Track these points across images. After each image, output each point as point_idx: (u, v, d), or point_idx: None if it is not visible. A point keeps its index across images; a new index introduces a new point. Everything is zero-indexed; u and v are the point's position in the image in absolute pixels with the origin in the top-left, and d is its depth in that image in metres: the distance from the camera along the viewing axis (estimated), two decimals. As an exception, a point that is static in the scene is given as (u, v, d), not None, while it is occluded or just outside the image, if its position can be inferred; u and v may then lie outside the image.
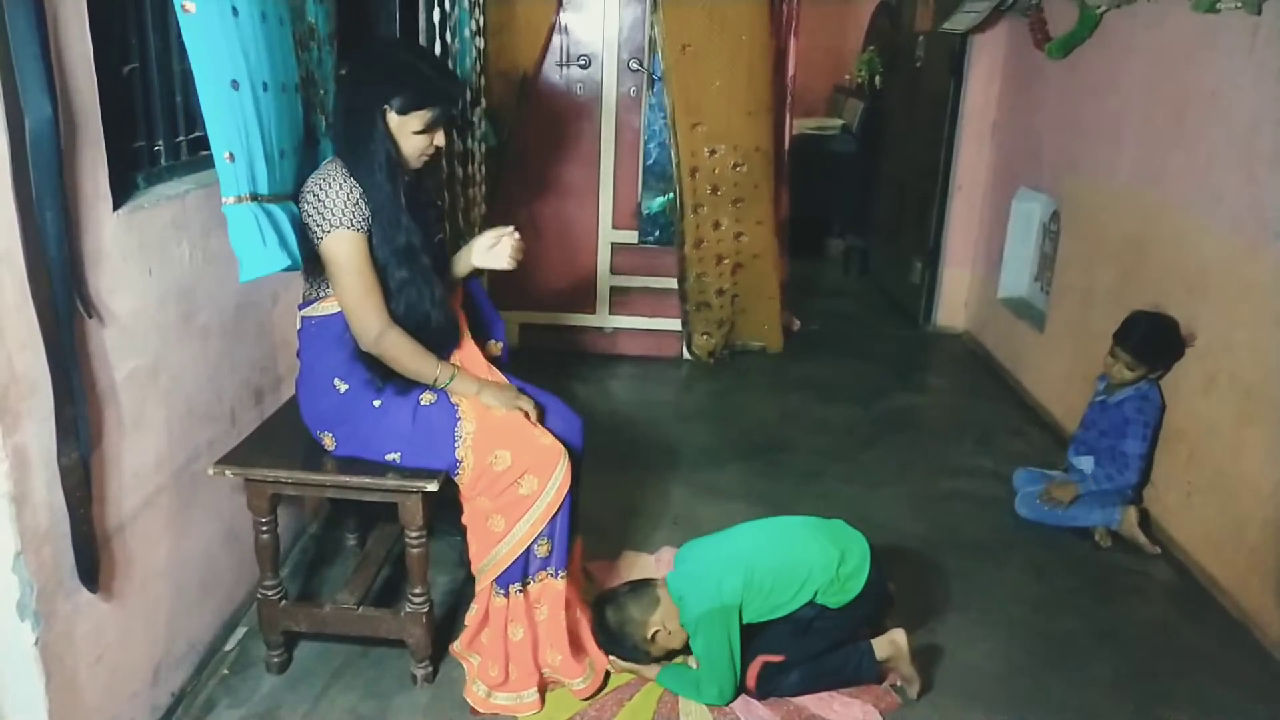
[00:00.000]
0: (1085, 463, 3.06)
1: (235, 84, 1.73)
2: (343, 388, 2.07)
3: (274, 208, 1.87)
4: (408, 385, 2.07)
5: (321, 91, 2.28)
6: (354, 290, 1.99)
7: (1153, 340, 2.91)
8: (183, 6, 1.64)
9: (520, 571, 2.11)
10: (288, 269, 1.91)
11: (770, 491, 3.18)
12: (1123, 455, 2.93)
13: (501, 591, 2.12)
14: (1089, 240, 3.62)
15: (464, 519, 2.13)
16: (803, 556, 2.20)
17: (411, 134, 2.03)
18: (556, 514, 2.08)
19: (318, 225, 1.96)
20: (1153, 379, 2.96)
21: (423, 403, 2.07)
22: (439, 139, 2.07)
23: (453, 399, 2.07)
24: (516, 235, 2.25)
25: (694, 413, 3.93)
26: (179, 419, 2.07)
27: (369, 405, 2.06)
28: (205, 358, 2.17)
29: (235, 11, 1.73)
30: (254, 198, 1.80)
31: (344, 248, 1.97)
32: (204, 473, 2.10)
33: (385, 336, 2.01)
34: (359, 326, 2.01)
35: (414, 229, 2.06)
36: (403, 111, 2.00)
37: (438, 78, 2.05)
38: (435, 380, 2.06)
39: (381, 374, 2.05)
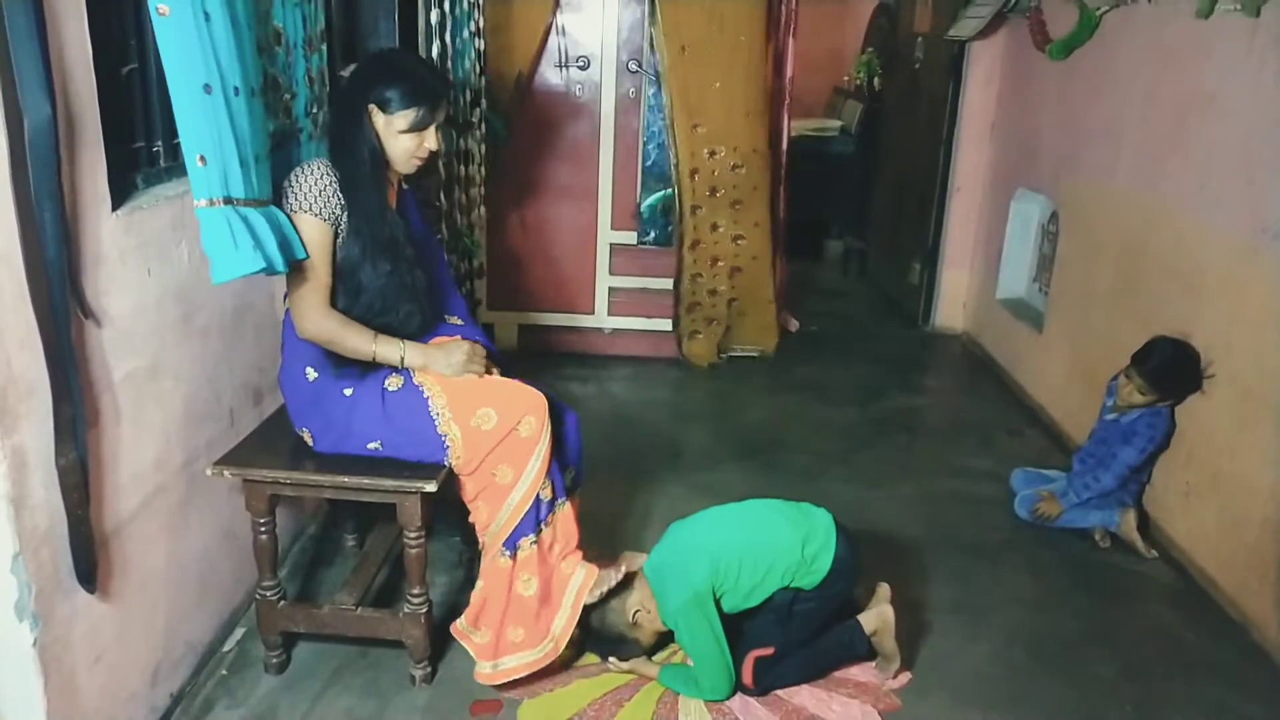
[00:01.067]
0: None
1: (208, 88, 1.73)
2: (312, 375, 2.09)
3: (249, 211, 1.87)
4: (365, 370, 2.08)
5: (287, 96, 2.26)
6: (299, 274, 1.99)
7: (1171, 369, 2.81)
8: (157, 9, 1.64)
9: (534, 521, 2.12)
10: (263, 272, 1.90)
11: (768, 492, 3.14)
12: (1113, 458, 2.90)
13: (508, 553, 2.13)
14: (1088, 241, 3.62)
15: (467, 493, 2.14)
16: (766, 541, 2.23)
17: (398, 134, 2.04)
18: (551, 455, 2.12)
19: (287, 205, 1.99)
20: (1165, 405, 2.89)
21: (389, 388, 2.08)
22: (429, 142, 2.07)
23: (415, 379, 2.08)
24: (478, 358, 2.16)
25: (693, 413, 3.93)
26: (177, 419, 2.07)
27: (339, 395, 2.08)
28: (204, 358, 2.17)
29: (208, 15, 1.73)
30: (226, 201, 1.80)
31: (301, 231, 1.98)
32: (203, 473, 2.10)
33: (320, 322, 2.01)
34: (296, 312, 2.03)
35: (398, 223, 2.08)
36: (388, 110, 2.02)
37: (427, 78, 2.06)
38: (374, 356, 2.05)
39: (334, 360, 2.07)
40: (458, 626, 2.23)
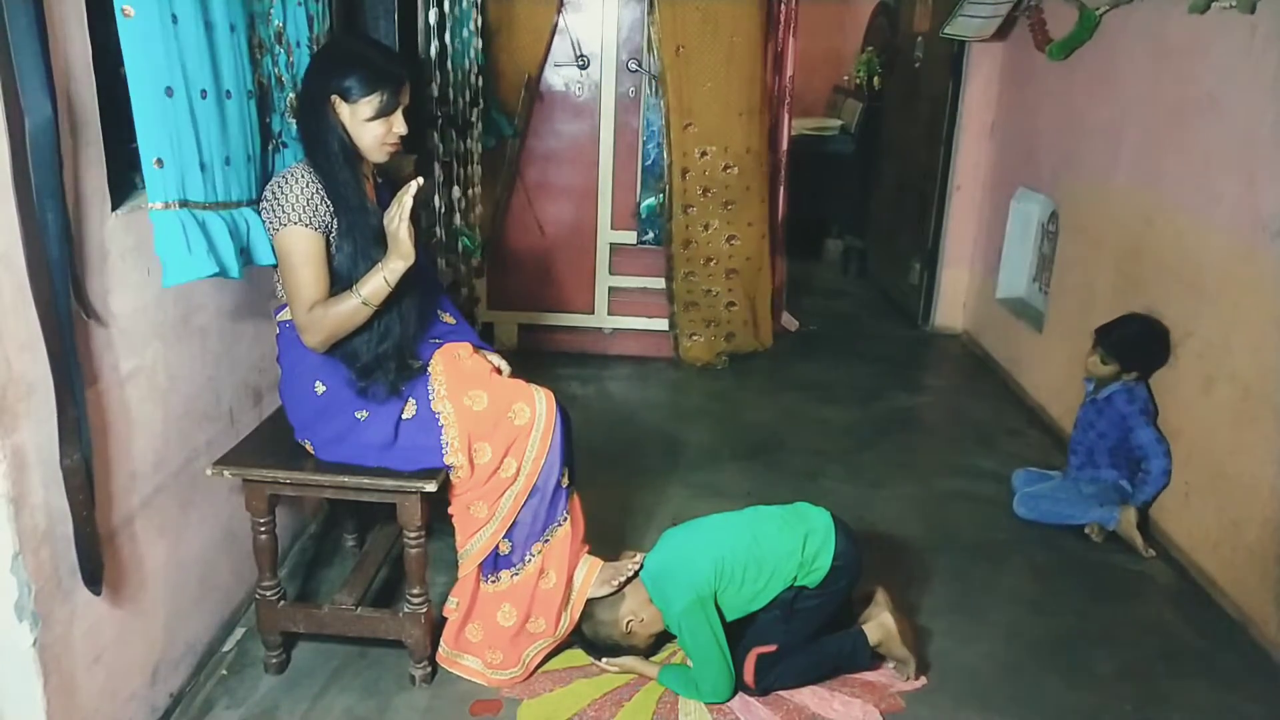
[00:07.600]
0: (1109, 475, 3.05)
1: (169, 91, 1.72)
2: (321, 389, 2.07)
3: (208, 215, 1.86)
4: (387, 391, 2.05)
5: (291, 95, 2.25)
6: (300, 288, 1.96)
7: (1131, 341, 2.96)
8: (123, 11, 1.64)
9: (509, 561, 2.16)
10: (216, 275, 1.89)
11: (769, 491, 3.18)
12: (1140, 448, 2.92)
13: (488, 579, 2.17)
14: (1087, 241, 3.62)
15: (450, 509, 2.17)
16: (767, 548, 2.23)
17: (365, 122, 2.00)
18: (540, 473, 2.11)
19: (271, 221, 1.96)
20: (1131, 379, 2.99)
21: (404, 417, 2.06)
22: (398, 125, 2.03)
23: (434, 406, 2.06)
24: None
25: (692, 413, 3.93)
26: (177, 419, 2.07)
27: (351, 415, 2.06)
28: (204, 358, 2.17)
29: (175, 18, 1.72)
30: (183, 204, 1.79)
31: (293, 243, 1.95)
32: (202, 473, 2.10)
33: (317, 324, 1.97)
34: (299, 327, 2.00)
35: (380, 214, 2.04)
36: (350, 99, 1.98)
37: (382, 61, 2.01)
38: (367, 303, 1.95)
39: (345, 373, 2.04)
40: (443, 655, 2.25)
